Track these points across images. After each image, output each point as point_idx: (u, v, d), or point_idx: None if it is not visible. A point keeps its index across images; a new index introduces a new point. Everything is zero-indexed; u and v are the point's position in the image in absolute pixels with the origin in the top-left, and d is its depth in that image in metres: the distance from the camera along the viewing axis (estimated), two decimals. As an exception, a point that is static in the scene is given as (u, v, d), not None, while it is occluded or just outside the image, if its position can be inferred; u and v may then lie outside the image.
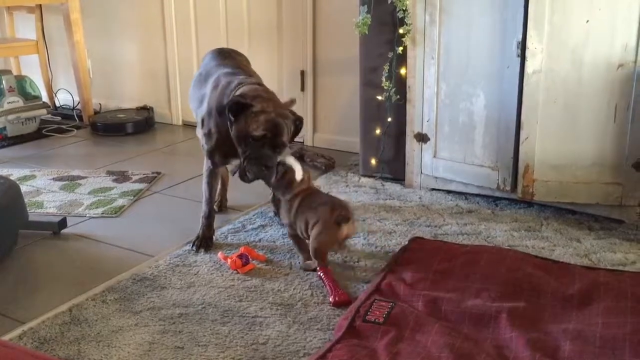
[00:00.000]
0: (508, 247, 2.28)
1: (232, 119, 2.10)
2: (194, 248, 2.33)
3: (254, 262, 2.21)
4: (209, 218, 2.39)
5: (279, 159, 2.18)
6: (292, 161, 2.23)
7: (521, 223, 2.54)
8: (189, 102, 2.60)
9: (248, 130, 2.07)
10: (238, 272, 2.15)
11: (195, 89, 2.47)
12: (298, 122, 2.23)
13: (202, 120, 2.32)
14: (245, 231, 2.50)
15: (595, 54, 2.34)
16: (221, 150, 2.27)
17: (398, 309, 1.76)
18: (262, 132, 2.07)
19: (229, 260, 2.19)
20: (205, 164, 2.37)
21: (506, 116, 2.55)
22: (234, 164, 2.31)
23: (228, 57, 2.53)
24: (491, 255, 2.03)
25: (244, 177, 2.16)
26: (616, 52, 2.31)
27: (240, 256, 2.18)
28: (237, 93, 2.18)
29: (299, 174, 2.21)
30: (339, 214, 2.09)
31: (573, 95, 2.41)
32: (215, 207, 2.50)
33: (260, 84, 2.31)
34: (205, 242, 2.35)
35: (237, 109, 2.09)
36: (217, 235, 2.45)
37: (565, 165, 2.48)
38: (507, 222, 2.55)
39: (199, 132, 2.38)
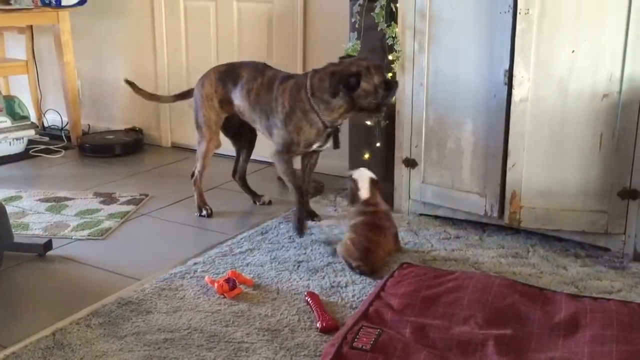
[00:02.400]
0: (495, 274, 2.28)
1: (357, 86, 2.50)
2: (299, 235, 2.66)
3: (241, 286, 2.20)
4: (302, 204, 2.70)
5: (351, 173, 2.58)
6: (361, 176, 2.53)
7: (508, 249, 2.55)
8: (250, 114, 2.81)
9: (376, 84, 2.51)
10: (225, 297, 2.13)
11: (259, 100, 2.73)
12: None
13: (283, 122, 2.64)
14: (232, 255, 2.48)
15: (580, 84, 2.38)
16: (309, 141, 2.66)
17: (385, 335, 1.75)
18: (381, 77, 2.54)
19: (215, 285, 2.17)
20: (282, 154, 2.67)
21: (493, 143, 2.58)
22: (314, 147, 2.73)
23: (267, 67, 2.84)
24: (478, 282, 2.04)
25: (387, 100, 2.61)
26: (601, 82, 2.35)
27: (228, 280, 2.17)
28: (319, 75, 2.60)
29: (364, 193, 2.48)
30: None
31: (559, 124, 2.44)
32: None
33: (317, 70, 2.67)
34: (301, 224, 2.67)
35: (356, 79, 2.49)
36: (204, 258, 2.44)
37: (551, 193, 2.51)
38: (494, 249, 2.56)
39: (281, 133, 2.66)
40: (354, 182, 2.51)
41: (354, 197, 2.49)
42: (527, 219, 2.56)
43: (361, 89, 2.51)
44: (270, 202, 3.11)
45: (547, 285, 2.20)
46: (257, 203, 3.12)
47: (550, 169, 2.49)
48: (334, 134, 2.71)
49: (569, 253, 2.52)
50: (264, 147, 3.78)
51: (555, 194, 2.50)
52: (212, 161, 3.00)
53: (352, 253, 2.34)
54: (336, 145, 2.77)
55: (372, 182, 2.51)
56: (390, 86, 2.59)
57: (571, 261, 2.44)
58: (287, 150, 2.67)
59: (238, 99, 2.80)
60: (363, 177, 2.52)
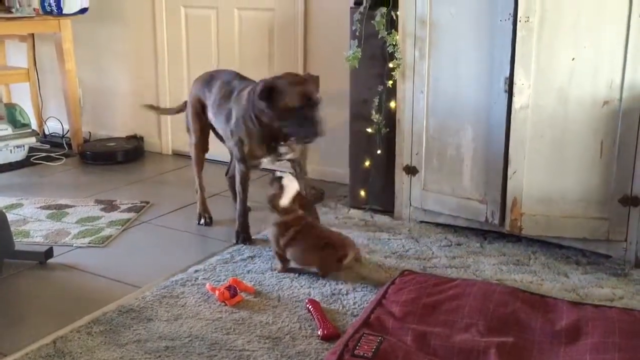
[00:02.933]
0: (496, 281, 2.28)
1: (268, 103, 2.42)
2: (239, 242, 2.66)
3: (242, 294, 2.19)
4: (245, 216, 2.71)
5: (277, 174, 2.46)
6: (287, 182, 2.41)
7: (509, 257, 2.55)
8: (215, 123, 2.83)
9: (287, 105, 2.40)
10: (226, 304, 2.13)
11: (220, 110, 2.73)
12: (315, 78, 2.57)
13: (231, 133, 2.63)
14: (233, 262, 2.48)
15: (581, 91, 2.38)
16: (253, 153, 2.60)
17: (387, 343, 1.75)
18: (300, 102, 2.40)
19: (217, 292, 2.17)
20: (240, 169, 2.67)
21: (494, 150, 2.58)
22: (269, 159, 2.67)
23: (238, 77, 2.83)
24: (480, 289, 2.03)
25: (302, 141, 2.56)
26: (602, 89, 2.35)
27: (229, 288, 2.17)
28: (263, 81, 2.50)
29: (285, 200, 2.38)
30: (341, 256, 2.31)
31: (560, 131, 2.44)
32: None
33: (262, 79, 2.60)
34: (245, 236, 2.68)
35: (269, 93, 2.41)
36: (205, 266, 2.44)
37: (552, 200, 2.51)
38: (495, 256, 2.55)
39: (230, 144, 2.69)
40: (281, 188, 2.39)
41: (275, 206, 2.38)
42: (528, 226, 2.56)
43: (274, 108, 2.42)
44: (249, 209, 3.07)
45: (549, 293, 2.20)
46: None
47: (551, 176, 2.49)
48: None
49: (570, 260, 2.52)
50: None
51: (556, 201, 2.50)
52: (213, 169, 3.01)
53: (311, 261, 2.36)
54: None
55: (298, 195, 2.42)
56: (311, 106, 2.42)
57: (572, 268, 2.44)
58: (242, 162, 2.65)
59: (209, 107, 2.83)
60: (286, 181, 2.40)
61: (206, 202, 3.03)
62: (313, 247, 2.33)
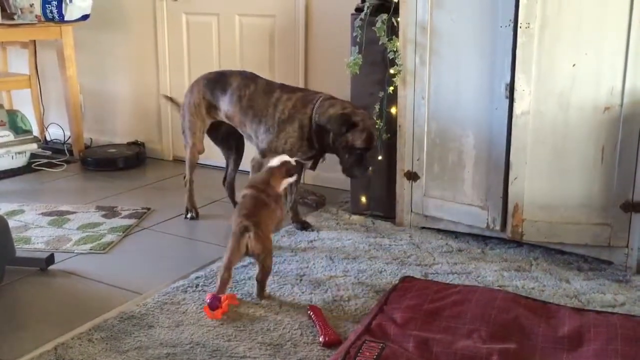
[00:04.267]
0: (498, 288, 2.28)
1: (339, 133, 2.56)
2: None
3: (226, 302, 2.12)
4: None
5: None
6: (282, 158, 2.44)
7: (511, 263, 2.54)
8: (240, 122, 2.85)
9: (355, 144, 2.57)
10: (217, 318, 2.07)
11: (246, 108, 2.79)
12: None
13: (278, 125, 2.70)
14: (234, 268, 2.47)
15: (582, 97, 2.39)
16: (290, 151, 2.66)
17: (389, 350, 1.74)
18: (364, 145, 2.58)
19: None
20: (260, 160, 2.71)
21: (495, 156, 2.58)
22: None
23: (257, 76, 2.92)
24: (481, 295, 2.03)
25: (351, 175, 2.73)
26: (603, 96, 2.36)
27: (209, 304, 2.09)
28: (328, 107, 2.62)
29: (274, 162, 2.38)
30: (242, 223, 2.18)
31: (561, 137, 2.44)
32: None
33: (332, 97, 2.74)
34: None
35: (352, 126, 2.55)
36: (206, 272, 2.43)
37: (554, 206, 2.50)
38: (497, 262, 2.55)
39: (264, 140, 2.74)
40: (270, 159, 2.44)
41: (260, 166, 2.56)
42: (529, 232, 2.55)
43: (343, 140, 2.57)
44: None
45: (550, 299, 2.20)
46: None
47: (553, 182, 2.49)
48: (316, 157, 2.79)
49: (572, 266, 2.51)
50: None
51: (557, 207, 2.50)
52: (212, 175, 3.01)
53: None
54: (313, 167, 2.88)
55: (285, 164, 2.38)
56: (370, 150, 2.62)
57: (574, 274, 2.44)
58: (271, 153, 2.69)
59: (227, 105, 2.87)
60: (282, 158, 2.42)
61: (194, 197, 3.10)
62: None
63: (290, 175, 2.40)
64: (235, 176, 3.17)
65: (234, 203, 3.16)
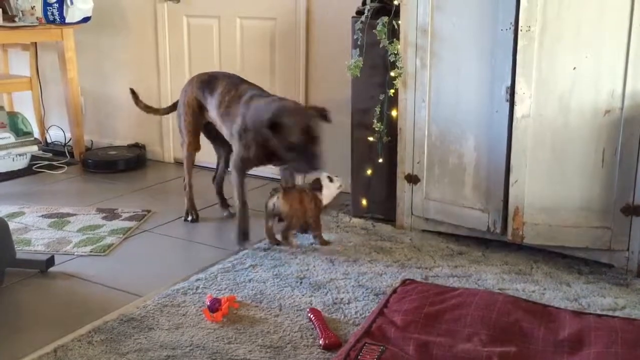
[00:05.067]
0: (499, 291, 2.27)
1: (273, 134, 2.51)
2: (239, 245, 2.70)
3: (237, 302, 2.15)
4: (246, 211, 2.75)
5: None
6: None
7: (511, 266, 2.54)
8: (220, 125, 2.90)
9: (291, 140, 2.49)
10: (217, 321, 2.08)
11: (227, 113, 2.79)
12: (324, 113, 2.64)
13: (239, 136, 2.69)
14: (235, 271, 2.48)
15: (582, 100, 2.39)
16: (254, 158, 2.69)
17: (389, 353, 1.74)
18: (302, 138, 2.50)
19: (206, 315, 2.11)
20: (238, 166, 2.72)
21: (496, 159, 2.58)
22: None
23: (243, 81, 2.91)
24: (482, 298, 2.03)
25: (301, 171, 2.79)
26: (603, 99, 2.36)
27: (209, 307, 2.10)
28: (272, 110, 2.57)
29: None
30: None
31: (561, 140, 2.44)
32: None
33: (282, 98, 2.73)
34: (245, 235, 2.73)
35: (275, 126, 2.50)
36: (206, 275, 2.43)
37: (554, 209, 2.50)
38: (497, 265, 2.55)
39: (235, 145, 2.74)
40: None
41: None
42: (530, 235, 2.55)
43: (279, 140, 2.53)
44: (233, 216, 3.10)
45: (551, 302, 2.19)
46: (223, 213, 3.18)
47: (553, 185, 2.49)
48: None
49: (572, 269, 2.51)
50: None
51: (558, 210, 2.50)
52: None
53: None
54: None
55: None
56: (312, 141, 2.53)
57: (575, 278, 2.43)
58: (242, 163, 2.72)
59: (212, 107, 2.90)
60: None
61: (194, 200, 3.11)
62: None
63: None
64: (225, 175, 3.18)
65: (221, 200, 3.18)
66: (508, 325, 1.89)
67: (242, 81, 2.91)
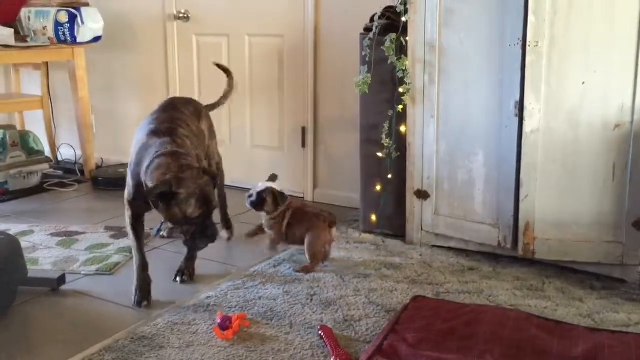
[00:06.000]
0: (511, 307, 2.26)
1: (162, 205, 2.20)
2: (136, 305, 2.35)
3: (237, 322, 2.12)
4: (145, 268, 2.44)
5: (259, 188, 2.67)
6: (267, 184, 2.71)
7: (523, 282, 2.52)
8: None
9: (186, 215, 2.20)
10: (229, 339, 2.07)
11: (135, 137, 2.50)
12: (215, 179, 2.35)
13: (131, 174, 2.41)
14: (245, 288, 2.47)
15: (592, 115, 2.38)
16: (139, 201, 2.37)
17: (400, 371, 1.73)
18: (198, 213, 2.21)
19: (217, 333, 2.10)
20: (128, 212, 2.44)
21: (505, 174, 2.57)
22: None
23: (167, 111, 2.59)
24: (494, 315, 2.01)
25: (194, 248, 2.42)
26: (613, 113, 2.35)
27: (219, 325, 2.09)
28: (153, 175, 2.23)
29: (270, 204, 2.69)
30: (330, 219, 2.68)
31: (571, 155, 2.44)
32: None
33: (173, 153, 2.28)
34: (146, 294, 2.38)
35: (164, 198, 2.18)
36: (216, 292, 2.43)
37: (565, 224, 2.49)
38: (509, 281, 2.53)
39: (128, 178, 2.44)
40: (267, 190, 2.71)
41: (275, 201, 2.72)
42: (541, 250, 2.54)
43: (170, 213, 2.21)
44: (228, 239, 3.05)
45: (564, 318, 2.17)
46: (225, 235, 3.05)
47: (564, 199, 2.48)
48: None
49: (584, 285, 2.49)
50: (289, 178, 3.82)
51: (569, 225, 2.48)
52: (231, 194, 3.01)
53: None
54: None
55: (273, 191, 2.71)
56: (208, 214, 2.22)
57: (587, 293, 2.41)
58: (128, 203, 2.43)
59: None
60: (266, 184, 2.73)
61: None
62: (302, 218, 2.69)
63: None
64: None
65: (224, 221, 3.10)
66: (521, 342, 1.87)
67: (164, 110, 2.59)
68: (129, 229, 2.46)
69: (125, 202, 2.44)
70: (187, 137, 2.46)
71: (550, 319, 2.09)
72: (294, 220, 2.69)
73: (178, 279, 2.58)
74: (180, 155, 2.29)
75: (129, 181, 2.41)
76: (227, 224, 3.11)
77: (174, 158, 2.26)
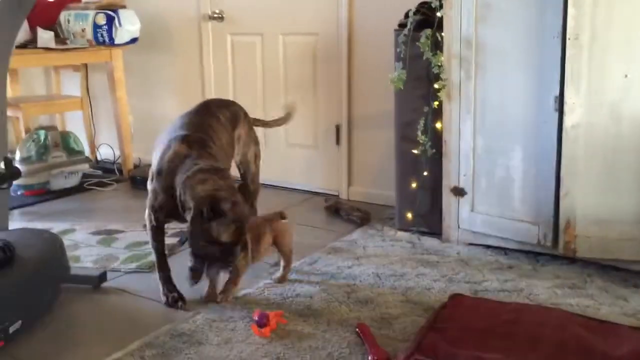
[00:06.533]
0: (552, 306, 2.21)
1: (207, 218, 2.10)
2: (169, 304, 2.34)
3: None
4: (168, 279, 2.40)
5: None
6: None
7: (564, 280, 2.47)
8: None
9: (219, 237, 2.11)
10: (267, 336, 2.08)
11: (161, 137, 2.46)
12: (246, 198, 2.30)
13: (152, 176, 2.37)
14: (282, 286, 2.48)
15: (634, 108, 2.32)
16: (166, 209, 2.30)
17: (440, 369, 1.71)
18: (230, 239, 2.13)
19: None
20: (149, 220, 2.38)
21: (545, 170, 2.52)
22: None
23: (200, 115, 2.53)
24: (535, 314, 1.98)
25: (211, 275, 2.28)
26: (657, 106, 2.29)
27: (257, 322, 2.11)
28: (199, 183, 2.16)
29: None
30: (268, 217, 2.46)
31: (613, 150, 2.38)
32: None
33: (217, 170, 2.23)
34: (175, 298, 2.35)
35: (214, 213, 2.10)
36: (254, 289, 2.45)
37: (607, 221, 2.43)
38: (549, 279, 2.48)
39: (149, 185, 2.39)
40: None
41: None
42: (582, 248, 2.48)
43: (205, 228, 2.11)
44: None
45: (607, 318, 2.12)
46: None
47: (606, 196, 2.42)
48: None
49: (628, 283, 2.43)
50: (323, 176, 3.81)
51: (611, 222, 2.43)
52: (261, 191, 3.00)
53: None
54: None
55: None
56: (237, 244, 2.13)
57: (631, 292, 2.35)
58: (153, 212, 2.38)
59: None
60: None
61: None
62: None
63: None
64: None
65: None
66: (564, 342, 1.84)
67: (196, 113, 2.54)
68: (150, 236, 2.39)
69: (149, 210, 2.35)
70: (217, 153, 2.37)
71: (594, 318, 2.05)
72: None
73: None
74: (224, 174, 2.25)
75: (157, 189, 2.31)
76: None
77: (220, 176, 2.21)
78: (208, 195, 2.13)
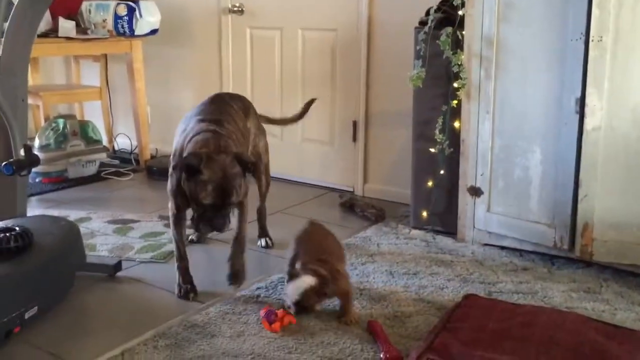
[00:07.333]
0: (567, 309, 2.20)
1: (185, 177, 2.15)
2: (182, 298, 2.36)
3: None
4: (186, 270, 2.42)
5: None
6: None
7: (580, 284, 2.45)
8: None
9: (198, 197, 2.13)
10: (277, 332, 2.08)
11: (179, 127, 2.52)
12: (251, 167, 2.25)
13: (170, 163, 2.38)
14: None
15: (657, 113, 2.29)
16: (182, 193, 2.26)
17: (452, 369, 1.71)
18: (211, 201, 2.13)
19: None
20: (170, 209, 2.40)
21: (563, 173, 2.50)
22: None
23: (215, 103, 2.55)
24: (550, 317, 1.96)
25: (198, 230, 2.47)
26: (680, 111, 2.26)
27: (267, 318, 2.11)
28: (189, 146, 2.23)
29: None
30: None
31: (635, 153, 2.35)
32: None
33: (215, 132, 2.26)
34: (187, 290, 2.37)
35: (189, 171, 2.13)
36: (267, 283, 2.45)
37: (626, 225, 2.40)
38: (564, 282, 2.46)
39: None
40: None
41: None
42: (599, 252, 2.46)
43: (187, 188, 2.16)
44: (266, 247, 2.90)
45: (623, 323, 2.10)
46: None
47: (625, 200, 2.39)
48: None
49: (645, 289, 2.40)
50: (339, 172, 3.81)
51: (630, 226, 2.40)
52: (279, 186, 2.98)
53: None
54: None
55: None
56: (225, 206, 2.13)
57: (648, 298, 2.33)
58: (172, 194, 2.37)
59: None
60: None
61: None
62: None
63: None
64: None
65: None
66: (579, 346, 1.82)
67: (211, 103, 2.56)
68: (171, 221, 2.41)
69: (169, 196, 2.38)
70: (233, 132, 2.39)
71: (609, 323, 2.03)
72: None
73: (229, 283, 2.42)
74: (221, 137, 2.25)
75: (172, 171, 2.34)
76: (264, 233, 2.95)
77: (215, 137, 2.24)
78: (187, 154, 2.17)
